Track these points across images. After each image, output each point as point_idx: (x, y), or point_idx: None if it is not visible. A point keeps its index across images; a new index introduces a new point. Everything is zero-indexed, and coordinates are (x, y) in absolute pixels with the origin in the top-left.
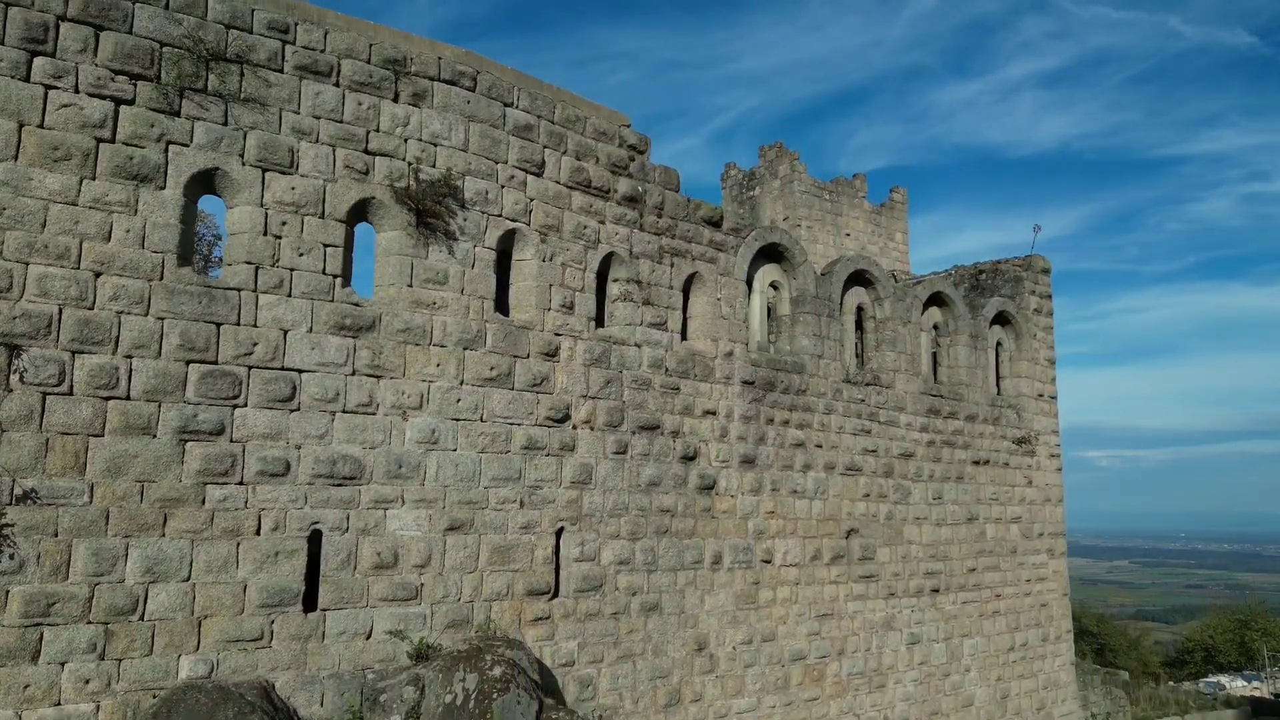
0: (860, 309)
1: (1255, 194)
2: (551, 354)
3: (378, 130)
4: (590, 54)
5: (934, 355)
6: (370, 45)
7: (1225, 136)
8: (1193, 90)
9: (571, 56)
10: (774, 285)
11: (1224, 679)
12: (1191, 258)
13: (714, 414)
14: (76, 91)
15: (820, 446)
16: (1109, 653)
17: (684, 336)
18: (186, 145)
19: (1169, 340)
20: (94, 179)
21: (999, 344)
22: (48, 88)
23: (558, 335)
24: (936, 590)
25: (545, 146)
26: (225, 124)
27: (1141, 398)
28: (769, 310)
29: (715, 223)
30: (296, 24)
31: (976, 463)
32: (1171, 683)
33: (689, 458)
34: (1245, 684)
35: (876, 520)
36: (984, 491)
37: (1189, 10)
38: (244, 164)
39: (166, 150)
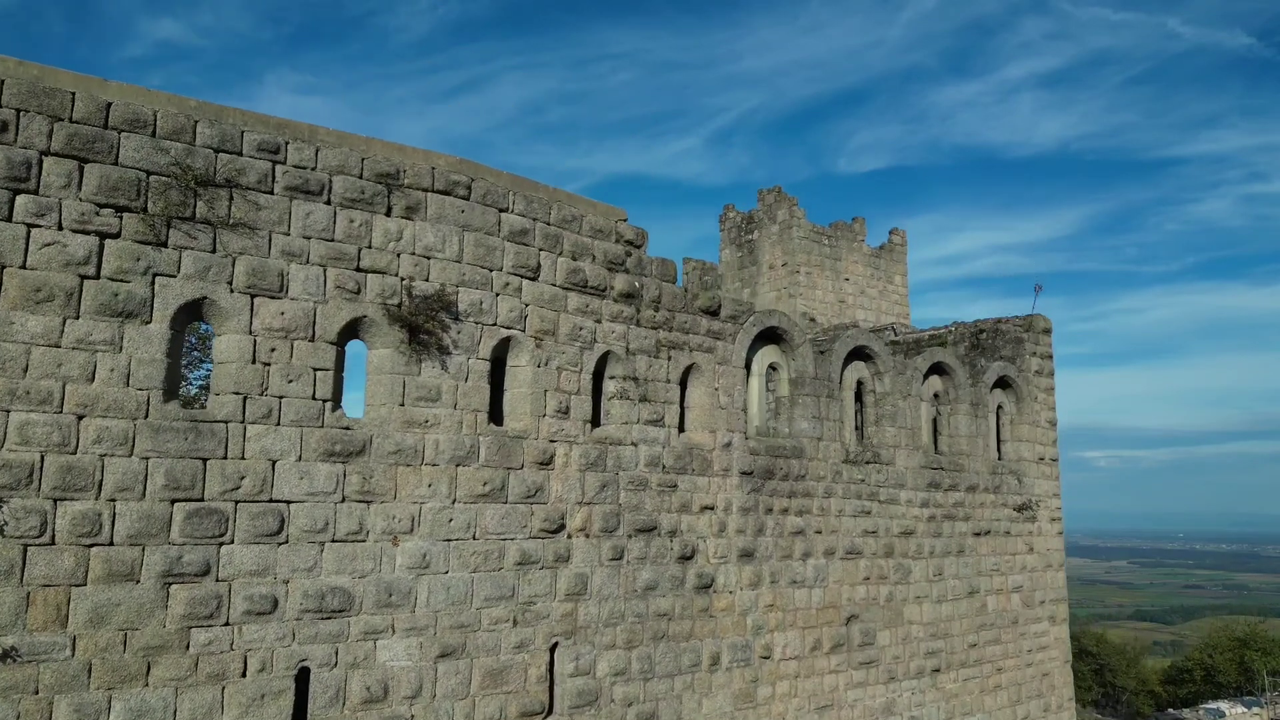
0: (860, 383)
1: (1254, 195)
2: (546, 462)
3: (370, 247)
4: (590, 54)
5: (934, 422)
6: (363, 160)
7: (1224, 137)
8: (1191, 91)
9: (572, 56)
10: (773, 366)
11: (1224, 704)
12: (1190, 258)
13: (712, 509)
14: (60, 229)
15: (820, 532)
16: (1108, 673)
17: (681, 428)
18: (174, 276)
19: (1168, 340)
20: (77, 318)
21: (1000, 407)
22: (30, 226)
23: (552, 442)
24: (938, 670)
25: (541, 249)
26: (214, 251)
27: (1140, 398)
28: (767, 381)
29: (713, 312)
30: (288, 143)
31: (978, 534)
32: (1172, 709)
33: (686, 557)
34: (1245, 710)
35: (877, 603)
36: (985, 563)
37: (1188, 12)
38: (233, 291)
39: (153, 283)
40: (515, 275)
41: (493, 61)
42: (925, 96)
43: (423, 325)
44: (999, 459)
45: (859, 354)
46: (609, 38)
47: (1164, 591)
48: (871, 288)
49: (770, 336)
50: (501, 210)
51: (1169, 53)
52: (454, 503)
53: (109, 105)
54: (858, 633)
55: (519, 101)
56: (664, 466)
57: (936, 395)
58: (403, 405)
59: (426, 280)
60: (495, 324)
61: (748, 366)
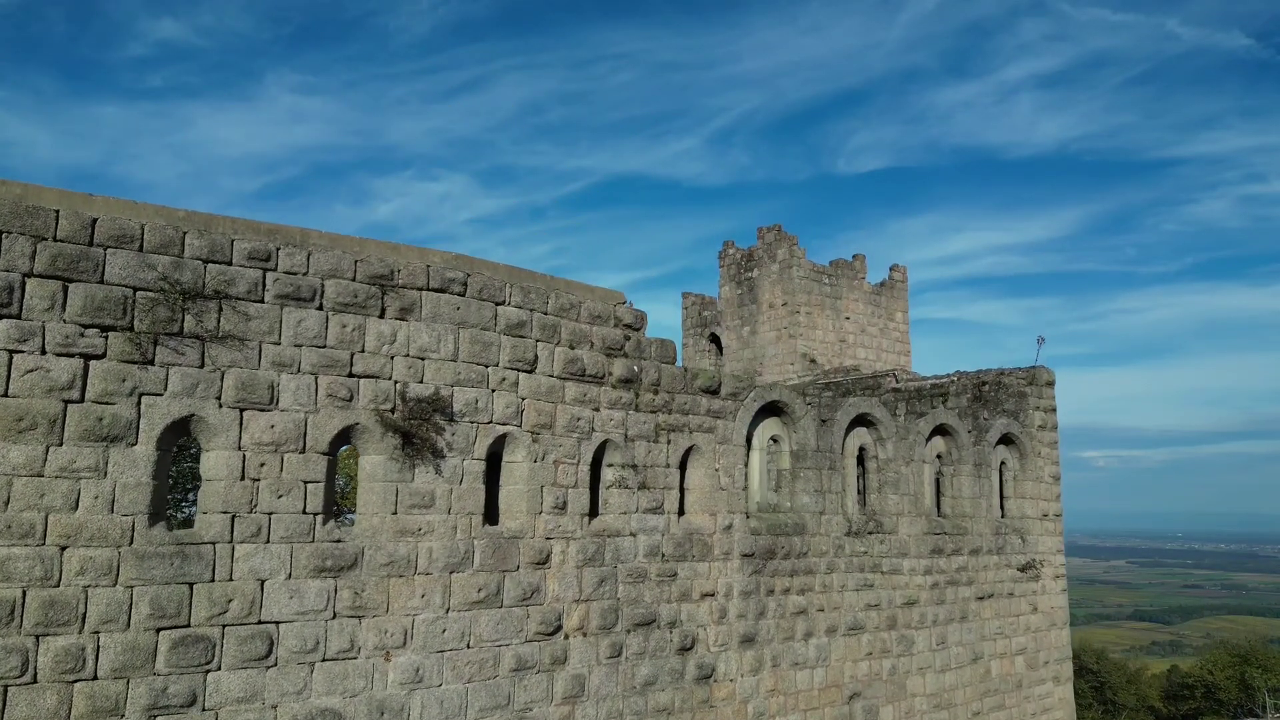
0: (862, 449)
1: (1253, 195)
2: (543, 561)
3: (363, 351)
4: (590, 54)
5: (937, 482)
6: (356, 262)
7: (1222, 138)
8: (1190, 92)
9: (572, 57)
10: (774, 438)
11: None
12: (1189, 258)
13: (713, 595)
14: (43, 353)
15: (822, 610)
16: (1108, 690)
17: (681, 511)
18: (160, 394)
19: (1167, 341)
20: (61, 445)
21: (1003, 463)
22: (11, 353)
23: (549, 539)
24: None
25: (538, 340)
26: (202, 366)
27: (1139, 398)
28: (768, 452)
29: (713, 391)
30: (279, 249)
31: (981, 598)
32: None
33: (686, 648)
34: None
35: (880, 678)
36: (989, 627)
37: (1186, 12)
38: (221, 406)
39: (139, 403)
40: (512, 369)
41: (493, 62)
42: (924, 97)
43: (416, 430)
44: (1002, 516)
45: (861, 420)
46: (609, 38)
47: (1163, 591)
48: (872, 326)
49: (771, 409)
50: (498, 304)
51: (1167, 54)
52: (448, 612)
53: (94, 221)
54: (860, 710)
55: (519, 101)
56: (663, 555)
57: (939, 456)
58: (395, 514)
59: (421, 382)
60: (491, 421)
61: (749, 441)
